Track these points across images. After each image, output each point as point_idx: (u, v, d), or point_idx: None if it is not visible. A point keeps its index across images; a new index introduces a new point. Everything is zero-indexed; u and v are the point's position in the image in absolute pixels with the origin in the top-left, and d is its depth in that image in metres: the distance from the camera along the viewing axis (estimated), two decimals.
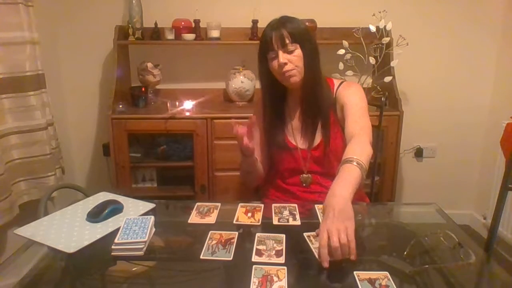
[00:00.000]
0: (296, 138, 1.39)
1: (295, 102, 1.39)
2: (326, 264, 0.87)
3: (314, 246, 0.95)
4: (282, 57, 1.24)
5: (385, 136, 2.17)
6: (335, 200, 0.97)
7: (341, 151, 1.20)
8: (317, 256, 0.90)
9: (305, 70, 1.28)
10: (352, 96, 1.33)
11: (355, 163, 1.06)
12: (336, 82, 1.39)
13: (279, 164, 1.42)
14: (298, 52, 1.26)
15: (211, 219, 1.10)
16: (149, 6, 2.29)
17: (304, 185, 1.38)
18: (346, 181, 1.02)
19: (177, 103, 2.18)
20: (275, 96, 1.37)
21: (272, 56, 1.27)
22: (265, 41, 1.27)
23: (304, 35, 1.28)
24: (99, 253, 0.94)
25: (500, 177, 1.71)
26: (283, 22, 1.26)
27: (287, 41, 1.24)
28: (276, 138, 1.39)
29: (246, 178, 1.42)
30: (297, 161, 1.37)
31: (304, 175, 1.38)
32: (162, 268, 0.94)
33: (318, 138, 1.36)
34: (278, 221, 1.09)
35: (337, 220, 0.92)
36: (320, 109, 1.33)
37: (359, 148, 1.14)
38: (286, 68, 1.25)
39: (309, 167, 1.37)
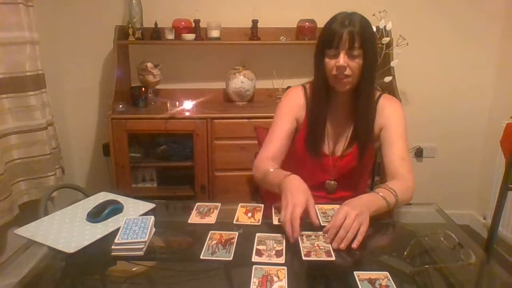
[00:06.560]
0: (328, 144, 1.33)
1: (337, 106, 1.30)
2: (329, 241, 0.95)
3: (304, 245, 0.95)
4: (343, 59, 1.15)
5: None
6: (363, 201, 1.04)
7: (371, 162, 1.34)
8: (302, 253, 0.91)
9: (361, 79, 1.21)
10: (395, 121, 1.27)
11: (389, 199, 1.08)
12: (376, 93, 1.32)
13: (303, 168, 1.33)
14: (360, 59, 1.17)
15: (211, 219, 1.09)
16: (149, 6, 2.29)
17: (328, 192, 1.34)
18: (376, 201, 1.06)
19: (177, 103, 2.19)
20: (323, 97, 1.27)
21: (331, 54, 1.18)
22: (331, 36, 1.16)
23: (372, 42, 1.20)
24: (99, 253, 0.94)
25: (500, 177, 1.71)
26: (355, 21, 1.15)
27: (356, 45, 1.14)
28: (315, 146, 1.31)
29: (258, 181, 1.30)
30: (324, 168, 1.33)
31: (330, 181, 1.34)
32: (162, 268, 0.93)
33: (349, 147, 1.32)
34: (278, 221, 1.08)
35: (359, 211, 0.97)
36: (368, 122, 1.27)
37: (403, 187, 1.14)
38: (343, 72, 1.17)
39: (334, 175, 1.33)
